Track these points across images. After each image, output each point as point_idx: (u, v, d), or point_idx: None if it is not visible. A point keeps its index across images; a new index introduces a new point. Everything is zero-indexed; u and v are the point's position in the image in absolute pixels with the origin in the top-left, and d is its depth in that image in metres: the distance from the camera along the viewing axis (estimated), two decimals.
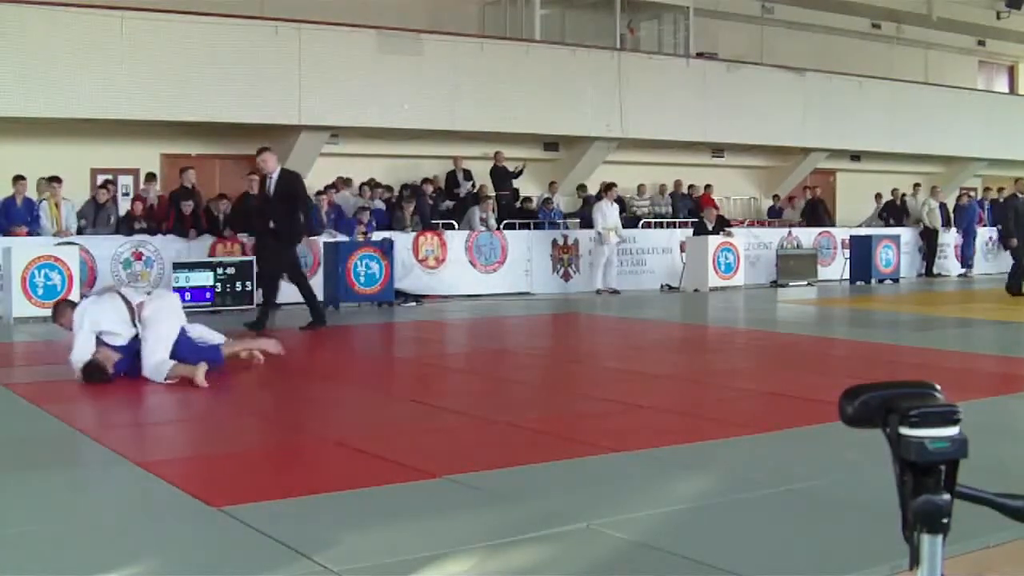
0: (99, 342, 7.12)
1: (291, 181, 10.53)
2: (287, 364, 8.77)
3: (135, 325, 7.16)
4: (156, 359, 7.09)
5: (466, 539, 3.51)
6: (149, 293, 7.76)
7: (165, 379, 7.05)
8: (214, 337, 7.59)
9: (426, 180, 17.02)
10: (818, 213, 20.22)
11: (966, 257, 21.02)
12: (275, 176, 10.46)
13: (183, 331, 7.37)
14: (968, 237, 20.99)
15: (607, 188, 16.58)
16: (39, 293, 11.87)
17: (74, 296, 10.89)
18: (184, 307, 12.72)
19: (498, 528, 3.64)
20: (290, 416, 6.00)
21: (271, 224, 10.58)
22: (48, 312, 11.67)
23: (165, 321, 7.26)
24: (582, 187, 18.35)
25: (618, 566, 3.31)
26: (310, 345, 10.78)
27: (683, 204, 19.52)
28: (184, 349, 7.26)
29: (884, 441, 1.30)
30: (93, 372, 7.03)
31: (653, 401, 6.48)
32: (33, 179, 13.36)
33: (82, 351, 7.04)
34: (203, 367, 7.02)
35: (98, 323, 7.10)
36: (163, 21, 14.47)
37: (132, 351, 7.17)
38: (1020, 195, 15.82)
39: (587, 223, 17.12)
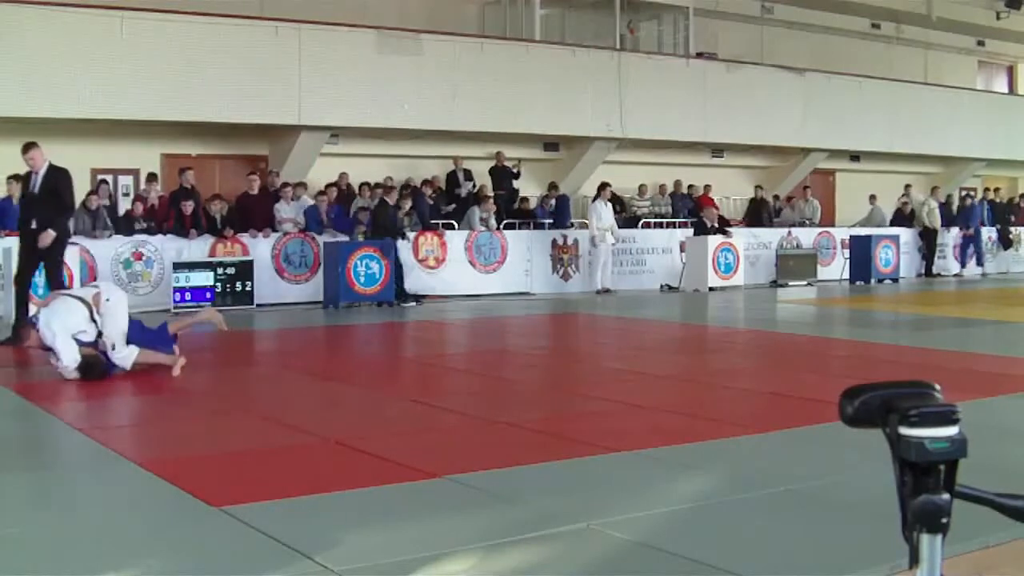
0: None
1: (56, 178, 9.59)
2: (287, 364, 8.77)
3: (94, 319, 7.20)
4: (122, 352, 7.23)
5: (466, 539, 3.51)
6: (96, 287, 7.80)
7: (132, 365, 7.22)
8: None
9: (426, 181, 17.02)
10: (760, 215, 19.86)
11: (978, 256, 21.12)
12: (42, 172, 9.56)
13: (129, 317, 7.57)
14: (977, 237, 21.09)
15: (601, 188, 16.59)
16: (39, 293, 11.83)
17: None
18: (184, 307, 12.94)
19: (498, 528, 3.64)
20: (290, 416, 6.00)
21: (32, 224, 9.60)
22: None
23: (121, 315, 7.37)
24: (554, 186, 18.23)
25: (618, 566, 3.31)
26: (310, 345, 10.78)
27: (683, 204, 19.51)
28: (136, 334, 7.41)
29: (884, 441, 1.30)
30: (91, 368, 7.05)
31: (653, 401, 6.48)
32: None
33: (71, 353, 7.04)
34: (181, 360, 7.40)
35: (70, 326, 7.09)
36: (163, 21, 14.47)
37: (103, 348, 7.28)
38: None
39: (559, 223, 17.22)
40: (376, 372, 8.60)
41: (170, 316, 7.84)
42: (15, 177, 13.20)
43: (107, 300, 7.27)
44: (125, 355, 7.23)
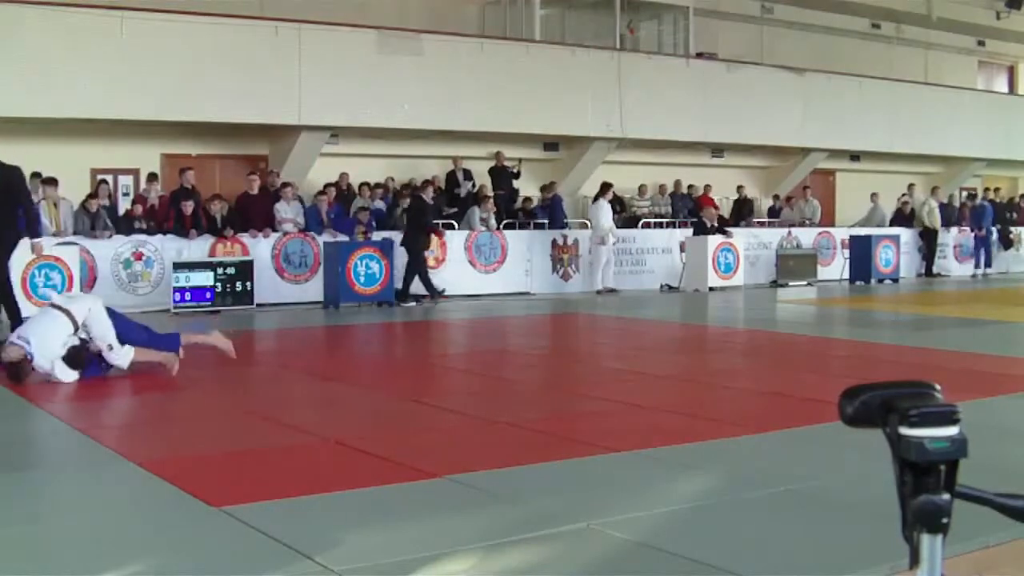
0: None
1: (8, 176, 8.95)
2: (287, 364, 8.77)
3: (76, 331, 7.18)
4: (119, 352, 7.26)
5: (466, 539, 3.51)
6: (72, 299, 7.81)
7: (130, 364, 7.27)
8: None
9: (426, 181, 17.02)
10: (743, 214, 19.90)
11: (987, 256, 21.16)
12: None
13: (118, 316, 7.54)
14: (988, 237, 21.13)
15: (605, 188, 16.60)
16: (39, 293, 11.86)
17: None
18: (184, 307, 12.92)
19: (498, 528, 3.64)
20: (290, 416, 6.00)
21: None
22: None
23: (104, 318, 7.33)
24: (546, 187, 18.26)
25: (618, 566, 3.31)
26: (310, 345, 10.78)
27: (683, 204, 19.51)
28: (134, 334, 7.45)
29: (884, 441, 1.30)
30: (78, 362, 7.07)
31: (653, 401, 6.48)
32: (33, 180, 13.32)
33: (69, 376, 7.05)
34: (176, 362, 7.43)
35: (59, 349, 7.03)
36: (163, 21, 14.46)
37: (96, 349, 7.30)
38: None
39: (552, 223, 17.25)
40: (376, 372, 8.60)
41: (181, 326, 7.83)
42: None
43: (89, 310, 7.28)
44: (122, 355, 7.25)
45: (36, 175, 13.15)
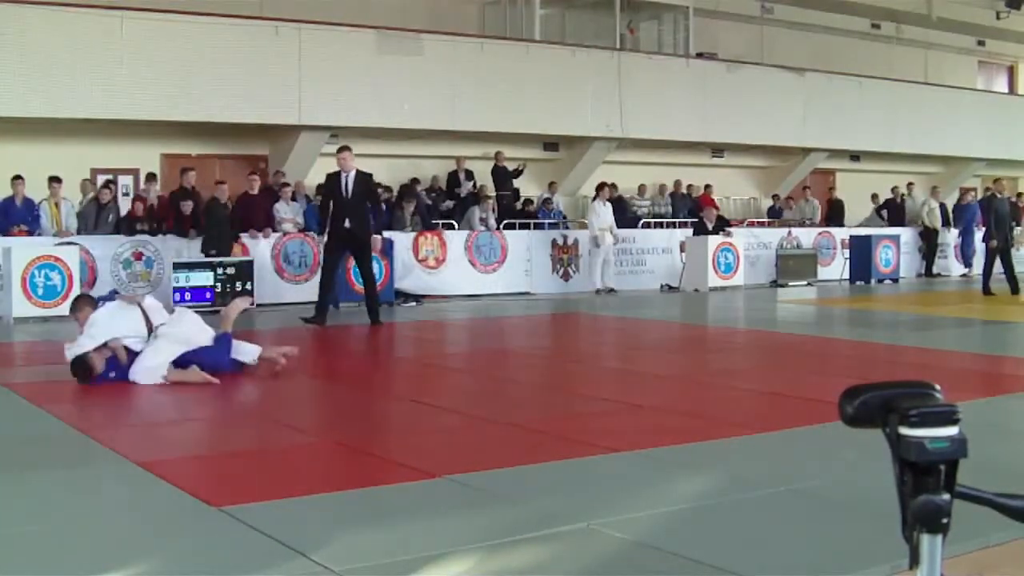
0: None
1: None
2: (288, 364, 8.77)
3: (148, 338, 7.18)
4: (154, 362, 7.09)
5: (466, 539, 3.51)
6: (172, 312, 7.80)
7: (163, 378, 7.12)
8: (246, 349, 7.55)
9: (415, 180, 17.05)
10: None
11: (967, 256, 20.97)
12: None
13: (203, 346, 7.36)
14: (968, 236, 20.98)
15: (600, 188, 16.63)
16: (39, 293, 11.86)
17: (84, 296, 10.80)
18: (184, 307, 12.86)
19: (498, 528, 3.64)
20: (290, 416, 6.00)
21: None
22: (48, 312, 11.78)
23: (181, 336, 7.27)
24: (545, 184, 18.37)
25: (618, 566, 3.31)
26: (311, 345, 10.78)
27: (683, 204, 19.50)
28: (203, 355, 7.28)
29: (884, 441, 1.30)
30: (79, 366, 7.03)
31: (653, 401, 6.48)
32: (33, 179, 13.33)
33: (79, 348, 7.05)
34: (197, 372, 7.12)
35: (110, 334, 7.07)
36: (163, 21, 14.46)
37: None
38: (999, 195, 16.11)
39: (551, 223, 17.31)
40: (376, 372, 8.60)
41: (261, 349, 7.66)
42: (18, 177, 13.23)
43: (161, 328, 7.34)
44: (154, 367, 7.18)
45: (54, 178, 13.24)
